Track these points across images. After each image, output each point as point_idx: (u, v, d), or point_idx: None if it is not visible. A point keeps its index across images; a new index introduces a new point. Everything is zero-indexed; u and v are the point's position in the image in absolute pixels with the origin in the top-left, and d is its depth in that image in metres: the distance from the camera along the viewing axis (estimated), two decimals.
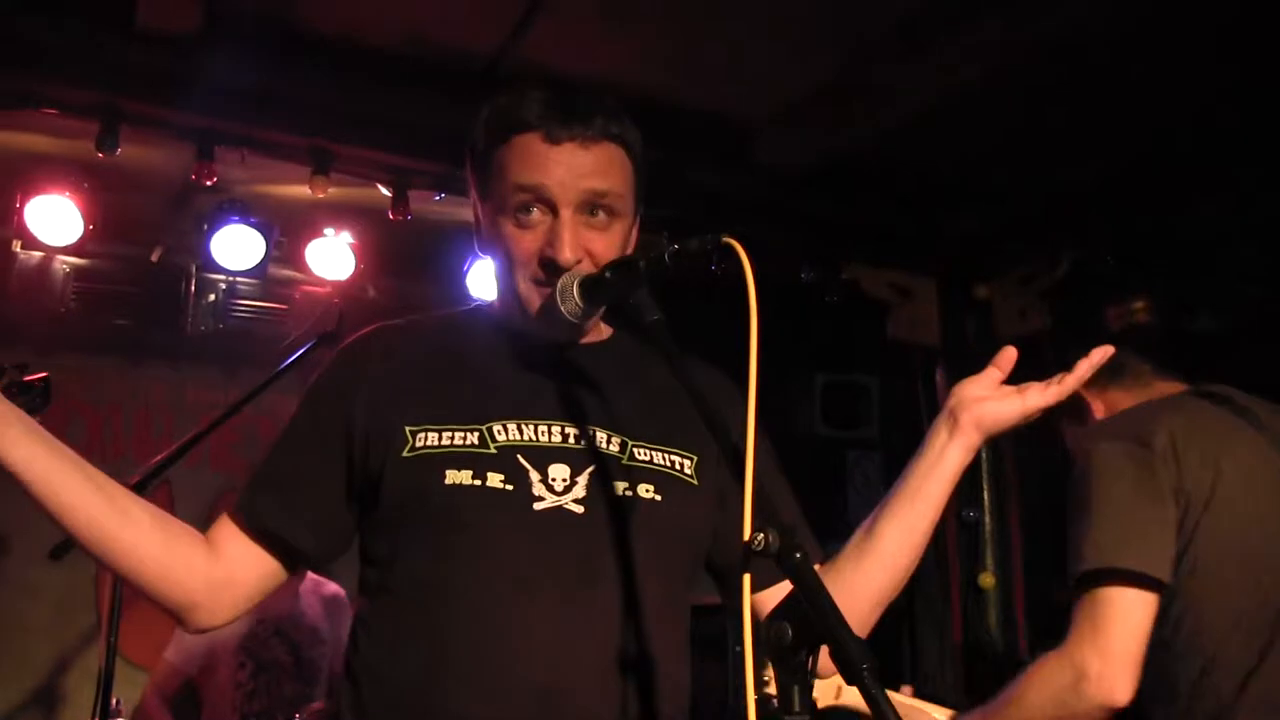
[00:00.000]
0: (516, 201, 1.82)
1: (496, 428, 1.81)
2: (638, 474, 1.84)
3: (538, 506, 1.77)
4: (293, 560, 1.94)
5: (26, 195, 4.65)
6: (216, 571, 1.86)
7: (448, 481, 1.76)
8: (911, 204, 5.30)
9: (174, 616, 1.88)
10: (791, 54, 4.15)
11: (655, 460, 1.87)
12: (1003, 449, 5.46)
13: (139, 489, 3.32)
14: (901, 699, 2.45)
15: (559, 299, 1.75)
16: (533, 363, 1.90)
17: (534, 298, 1.85)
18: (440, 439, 1.79)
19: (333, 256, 5.28)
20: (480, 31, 4.03)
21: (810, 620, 1.33)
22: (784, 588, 1.86)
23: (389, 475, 1.80)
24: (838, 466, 7.42)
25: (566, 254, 1.79)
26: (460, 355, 1.94)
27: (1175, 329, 4.70)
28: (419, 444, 1.79)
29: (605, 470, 1.81)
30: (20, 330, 5.34)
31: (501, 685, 1.70)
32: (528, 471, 1.78)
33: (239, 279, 5.56)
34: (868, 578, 1.93)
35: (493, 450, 1.78)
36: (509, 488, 1.77)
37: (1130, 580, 2.33)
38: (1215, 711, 2.36)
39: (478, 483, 1.76)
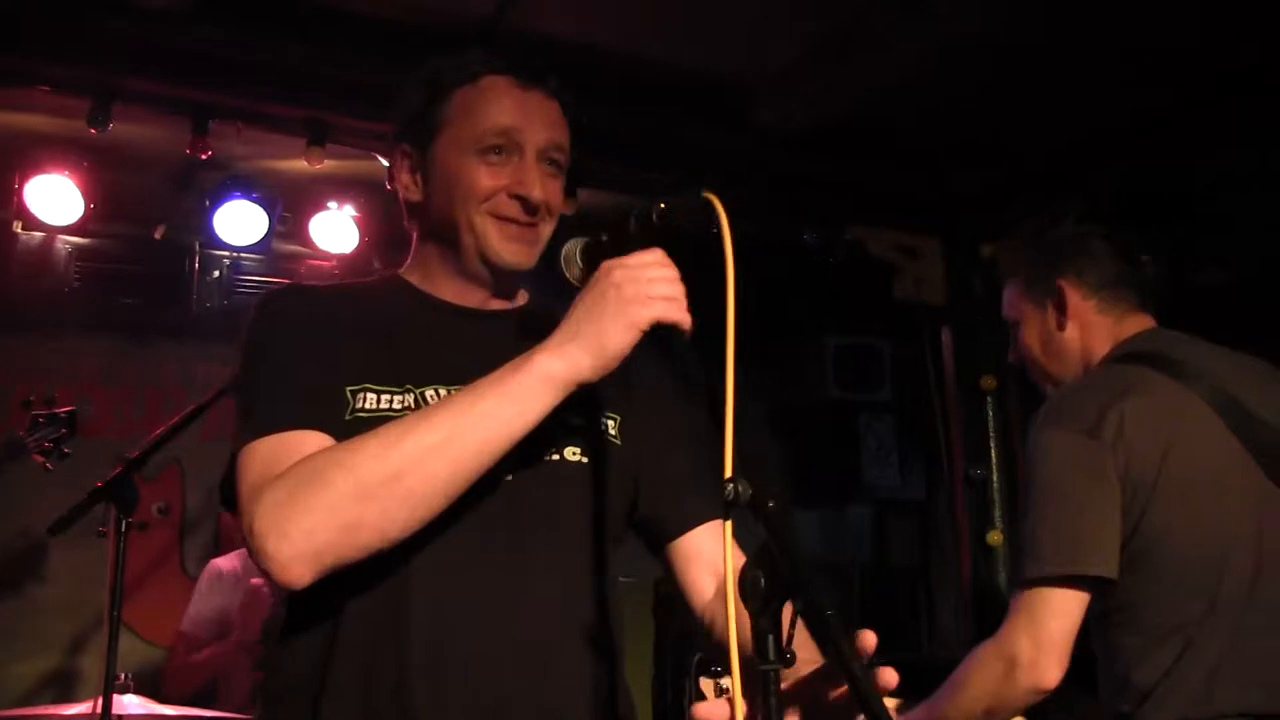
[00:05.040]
0: (490, 141, 1.87)
1: (429, 393, 1.81)
2: (564, 437, 1.86)
3: None
4: None
5: (26, 175, 4.66)
6: None
7: None
8: (915, 163, 5.25)
9: None
10: (788, 12, 4.11)
11: (578, 422, 1.89)
12: (1009, 407, 5.44)
13: (138, 464, 3.35)
14: None
15: (564, 265, 1.78)
16: (457, 328, 1.93)
17: (492, 231, 1.87)
18: (379, 402, 1.79)
19: (337, 230, 5.29)
20: None
21: (780, 571, 1.33)
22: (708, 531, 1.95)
23: (333, 437, 1.78)
24: (851, 429, 7.42)
25: (538, 192, 1.86)
26: (386, 320, 1.92)
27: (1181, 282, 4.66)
28: (359, 405, 1.79)
29: (532, 435, 1.78)
30: (24, 311, 5.35)
31: (431, 650, 1.71)
32: None
33: (243, 255, 5.57)
34: None
35: None
36: None
37: (1077, 582, 2.39)
38: (1152, 681, 2.39)
39: None
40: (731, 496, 1.36)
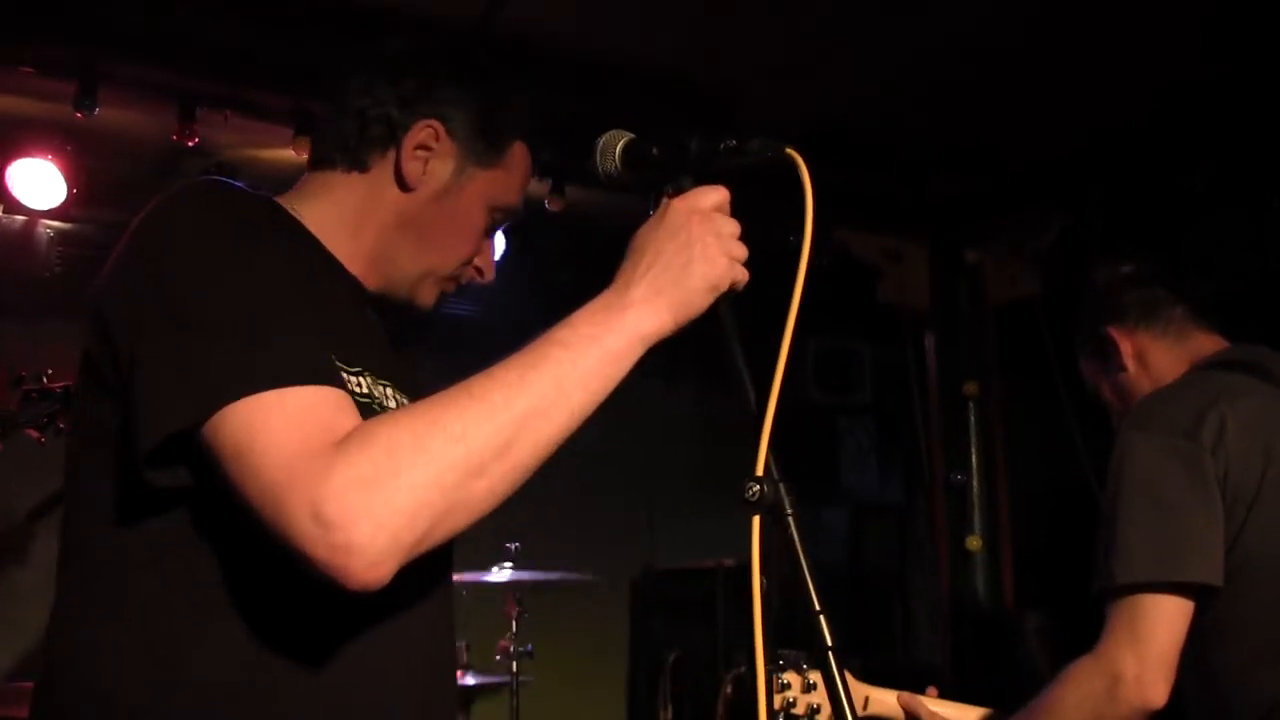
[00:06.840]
0: (504, 216, 1.77)
1: (366, 379, 1.56)
2: None
3: None
4: None
5: (7, 158, 4.62)
6: None
7: None
8: (900, 167, 5.27)
9: None
10: (776, 14, 4.11)
11: None
12: (990, 411, 5.46)
13: None
14: (928, 701, 2.39)
15: (598, 155, 1.56)
16: (361, 308, 1.72)
17: (438, 289, 1.77)
18: (347, 381, 1.47)
19: None
20: None
21: (786, 585, 1.31)
22: None
23: None
24: (830, 432, 7.42)
25: (491, 276, 1.80)
26: (315, 275, 1.58)
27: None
28: None
29: None
30: (4, 296, 5.31)
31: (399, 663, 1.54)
32: None
33: None
34: None
35: (377, 410, 1.54)
36: None
37: (1181, 590, 2.24)
38: (1262, 704, 2.28)
39: None
40: (755, 497, 1.31)
